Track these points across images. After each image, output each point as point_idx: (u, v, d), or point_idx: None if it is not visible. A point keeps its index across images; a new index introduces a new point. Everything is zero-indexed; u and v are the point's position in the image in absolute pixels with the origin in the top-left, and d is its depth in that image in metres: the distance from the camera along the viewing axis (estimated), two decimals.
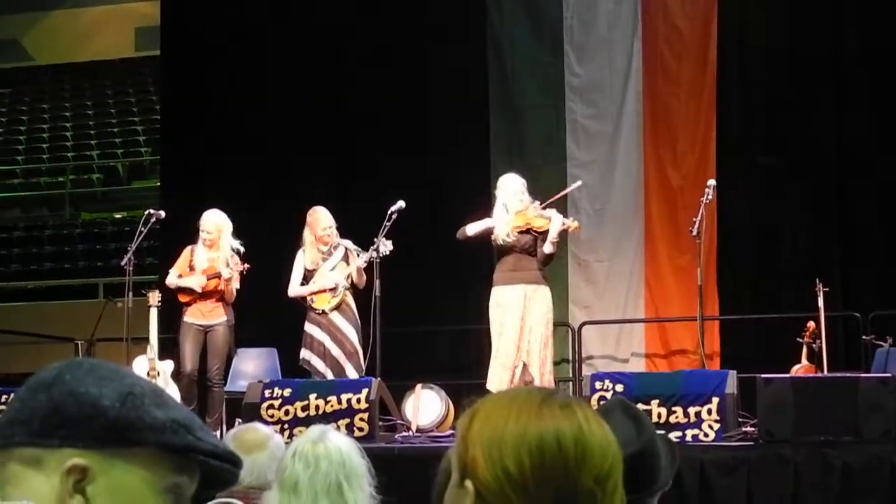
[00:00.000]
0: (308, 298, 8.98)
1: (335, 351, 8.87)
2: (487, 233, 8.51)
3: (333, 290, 8.89)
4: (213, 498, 1.45)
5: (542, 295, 8.40)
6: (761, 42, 10.55)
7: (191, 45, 12.09)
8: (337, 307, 8.91)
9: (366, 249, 8.84)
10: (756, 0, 10.57)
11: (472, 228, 8.56)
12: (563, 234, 8.66)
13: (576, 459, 1.42)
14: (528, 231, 8.44)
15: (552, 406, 1.46)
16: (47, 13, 23.67)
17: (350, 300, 8.98)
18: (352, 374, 8.77)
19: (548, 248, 8.38)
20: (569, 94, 10.77)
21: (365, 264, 8.83)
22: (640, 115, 10.60)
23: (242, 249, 9.04)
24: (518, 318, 8.29)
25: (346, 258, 8.98)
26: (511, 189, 8.56)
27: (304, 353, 8.95)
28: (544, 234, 8.38)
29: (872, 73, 10.28)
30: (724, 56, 10.42)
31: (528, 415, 1.45)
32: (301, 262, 9.04)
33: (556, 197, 8.87)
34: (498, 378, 8.25)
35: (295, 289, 9.04)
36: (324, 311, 8.92)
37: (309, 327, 8.97)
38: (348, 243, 9.01)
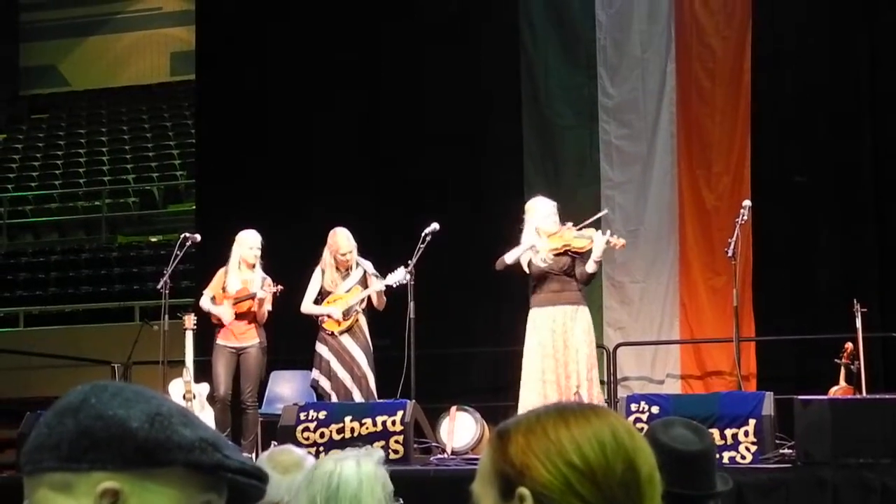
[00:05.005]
0: (319, 318, 8.94)
1: (340, 373, 8.80)
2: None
3: (345, 317, 8.83)
4: None
5: (582, 315, 8.34)
6: (796, 60, 10.49)
7: (226, 69, 12.16)
8: (347, 330, 8.86)
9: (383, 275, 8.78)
10: (791, 19, 10.52)
11: (511, 256, 8.44)
12: (607, 253, 8.60)
13: (633, 448, 1.48)
14: (565, 253, 8.39)
15: (591, 412, 1.52)
16: (83, 39, 23.94)
17: (363, 324, 8.91)
18: (359, 399, 8.68)
19: (591, 267, 8.31)
20: (602, 115, 10.74)
21: (384, 289, 8.76)
22: (674, 135, 10.57)
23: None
24: (560, 341, 8.21)
25: (363, 281, 8.89)
26: (542, 213, 8.48)
27: (314, 374, 8.90)
28: (585, 254, 8.34)
29: None
30: (758, 75, 10.37)
31: (574, 418, 1.50)
32: (318, 280, 8.97)
33: (587, 223, 8.85)
34: (533, 398, 8.15)
35: (307, 306, 8.96)
36: (333, 333, 8.87)
37: (318, 346, 8.90)
38: (368, 265, 8.90)
